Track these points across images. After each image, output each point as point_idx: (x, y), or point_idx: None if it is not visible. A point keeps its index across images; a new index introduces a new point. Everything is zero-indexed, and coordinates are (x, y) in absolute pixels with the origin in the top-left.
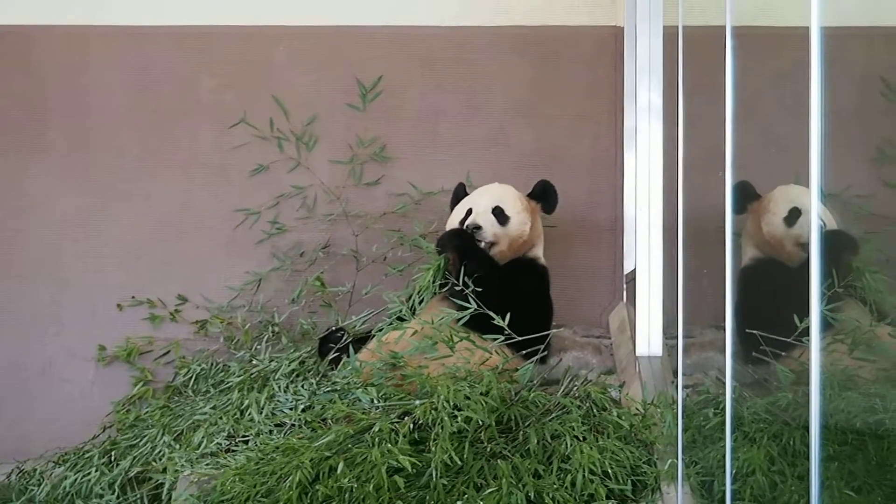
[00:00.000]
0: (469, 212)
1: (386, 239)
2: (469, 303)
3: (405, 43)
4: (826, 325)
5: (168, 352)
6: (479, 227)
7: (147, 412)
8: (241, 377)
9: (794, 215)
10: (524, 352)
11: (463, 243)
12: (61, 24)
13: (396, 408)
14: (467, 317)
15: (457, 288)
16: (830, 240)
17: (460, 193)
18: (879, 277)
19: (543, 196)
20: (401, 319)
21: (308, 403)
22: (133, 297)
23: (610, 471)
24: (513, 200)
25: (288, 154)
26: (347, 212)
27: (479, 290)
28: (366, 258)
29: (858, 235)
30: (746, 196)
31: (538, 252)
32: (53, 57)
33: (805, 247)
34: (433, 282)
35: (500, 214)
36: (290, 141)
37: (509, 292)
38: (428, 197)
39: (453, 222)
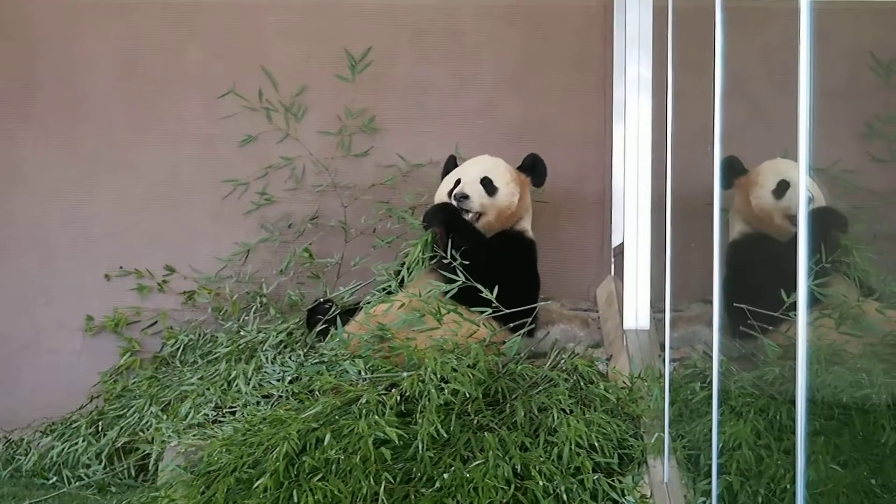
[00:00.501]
0: (458, 182)
1: (374, 211)
2: (457, 276)
3: (394, 14)
4: (813, 300)
5: (155, 322)
6: (466, 197)
7: (134, 382)
8: (229, 348)
9: (782, 188)
10: (511, 325)
11: (449, 217)
12: None
13: (384, 380)
14: (455, 290)
15: (444, 261)
16: (820, 216)
17: (451, 166)
18: (866, 255)
19: (533, 169)
20: (388, 292)
21: (295, 375)
22: (121, 268)
23: (596, 444)
24: (502, 172)
25: (276, 125)
26: (336, 183)
27: (467, 263)
28: (354, 230)
29: (847, 210)
30: (733, 171)
31: (526, 225)
32: (44, 27)
33: (794, 219)
34: (422, 255)
35: (488, 185)
36: (278, 112)
37: (496, 265)
38: (416, 168)
39: (442, 193)
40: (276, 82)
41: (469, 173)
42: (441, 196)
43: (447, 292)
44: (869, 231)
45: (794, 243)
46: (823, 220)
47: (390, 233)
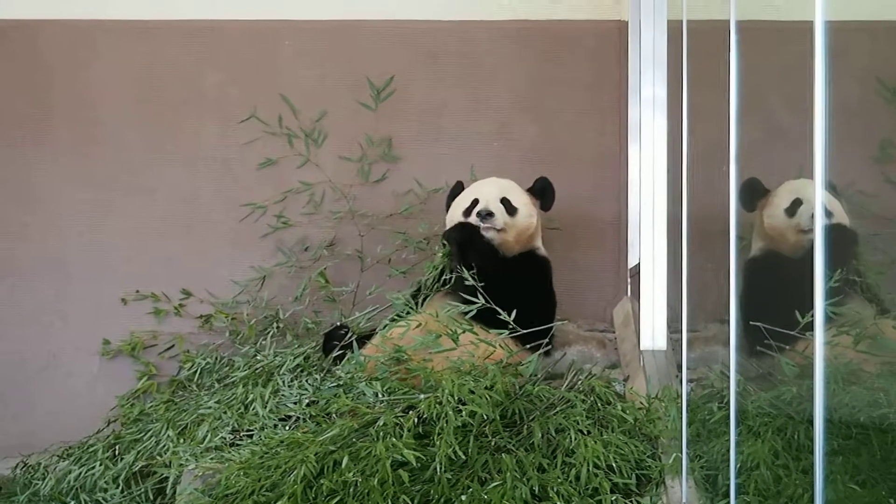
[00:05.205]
0: (474, 202)
1: (391, 240)
2: (475, 295)
3: (409, 37)
4: (829, 319)
5: (172, 346)
6: (491, 214)
7: (151, 406)
8: (246, 372)
9: (795, 205)
10: (529, 345)
11: (467, 237)
12: (68, 17)
13: (401, 402)
14: (474, 311)
15: (467, 283)
16: (831, 234)
17: (457, 191)
18: (884, 278)
19: (542, 193)
20: (407, 312)
21: (312, 398)
22: (137, 291)
23: (614, 465)
24: (517, 192)
25: (297, 150)
26: (354, 210)
27: (483, 283)
28: (370, 259)
29: (864, 235)
30: (755, 193)
31: (538, 243)
32: (60, 51)
33: (806, 234)
34: (438, 277)
35: (507, 205)
36: (298, 137)
37: (513, 285)
38: (433, 194)
39: (455, 213)
40: (294, 108)
41: (487, 193)
42: (454, 216)
43: (465, 314)
44: (886, 256)
45: (809, 261)
46: (834, 238)
47: (406, 262)
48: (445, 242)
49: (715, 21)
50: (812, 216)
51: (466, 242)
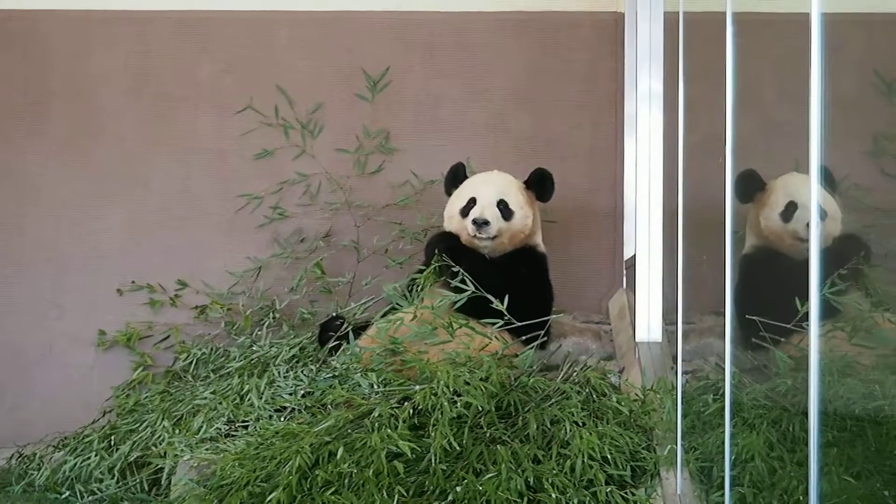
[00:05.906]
0: (472, 201)
1: (388, 231)
2: (467, 288)
3: (406, 28)
4: (826, 312)
5: (168, 337)
6: (487, 223)
7: (147, 397)
8: (242, 362)
9: (790, 210)
10: (524, 337)
11: (450, 246)
12: (63, 8)
13: (396, 393)
14: (465, 303)
15: (454, 279)
16: (842, 245)
17: (459, 173)
18: (880, 271)
19: (540, 185)
20: (395, 307)
21: (308, 389)
22: (133, 282)
23: (609, 456)
24: (515, 194)
25: (293, 141)
26: (350, 202)
27: (480, 286)
28: (367, 249)
29: (859, 229)
30: (752, 185)
31: (537, 240)
32: (55, 42)
33: (804, 242)
34: (433, 273)
35: (504, 209)
36: (294, 129)
37: (509, 280)
38: (429, 185)
39: (453, 209)
40: (290, 99)
41: (485, 195)
42: (452, 212)
43: (455, 303)
44: (881, 248)
45: (805, 258)
46: (845, 248)
47: (402, 253)
48: (429, 253)
49: (711, 13)
50: (808, 225)
51: (454, 251)
